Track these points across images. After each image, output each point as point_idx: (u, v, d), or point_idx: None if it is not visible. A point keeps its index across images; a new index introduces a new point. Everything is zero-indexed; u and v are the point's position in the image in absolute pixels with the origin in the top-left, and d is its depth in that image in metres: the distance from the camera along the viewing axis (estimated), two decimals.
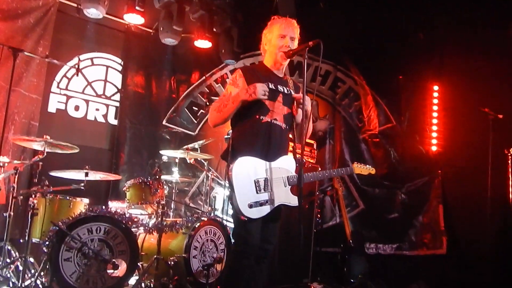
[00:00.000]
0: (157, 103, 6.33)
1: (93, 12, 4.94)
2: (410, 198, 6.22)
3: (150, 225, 4.44)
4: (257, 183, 2.85)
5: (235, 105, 2.88)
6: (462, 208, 5.83)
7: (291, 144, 3.34)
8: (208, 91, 6.50)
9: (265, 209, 2.85)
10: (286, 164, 2.99)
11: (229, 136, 4.62)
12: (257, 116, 2.94)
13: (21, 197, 3.86)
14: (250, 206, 2.79)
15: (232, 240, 4.31)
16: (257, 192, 2.83)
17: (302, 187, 2.73)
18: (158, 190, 4.48)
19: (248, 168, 2.84)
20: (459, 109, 5.92)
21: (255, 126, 2.93)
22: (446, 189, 6.06)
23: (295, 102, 3.02)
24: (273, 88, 2.96)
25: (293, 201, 2.95)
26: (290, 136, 3.16)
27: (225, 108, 2.91)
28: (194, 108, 6.45)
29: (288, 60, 3.08)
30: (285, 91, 3.04)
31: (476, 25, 5.71)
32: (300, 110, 2.95)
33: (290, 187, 2.98)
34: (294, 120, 3.07)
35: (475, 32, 5.73)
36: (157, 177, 4.57)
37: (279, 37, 3.00)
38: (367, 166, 3.57)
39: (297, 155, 3.05)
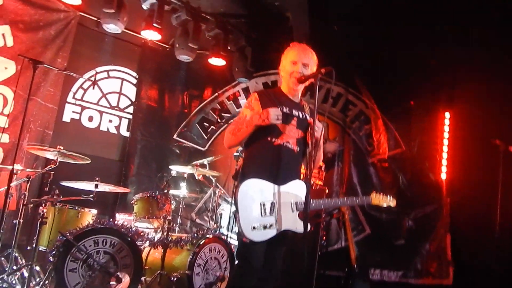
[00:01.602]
0: (169, 117, 6.41)
1: (112, 28, 5.06)
2: (417, 225, 6.16)
3: (155, 240, 4.45)
4: (263, 206, 2.83)
5: (249, 130, 2.92)
6: (470, 238, 5.76)
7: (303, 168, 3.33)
8: (219, 107, 6.57)
9: (269, 233, 2.82)
10: (295, 189, 2.96)
11: (238, 154, 4.62)
12: (269, 139, 2.95)
13: (31, 205, 3.91)
14: (253, 228, 2.77)
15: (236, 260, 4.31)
16: (262, 215, 2.81)
17: (308, 213, 2.70)
18: (165, 205, 4.52)
19: (255, 190, 2.83)
20: (470, 137, 5.90)
21: (267, 149, 2.95)
22: (454, 218, 6.00)
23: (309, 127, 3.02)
24: (287, 112, 2.99)
25: (300, 227, 2.91)
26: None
27: (239, 132, 2.95)
28: (205, 123, 6.51)
29: (302, 85, 3.10)
30: (300, 115, 3.06)
31: (490, 53, 5.73)
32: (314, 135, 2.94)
33: (298, 212, 2.95)
34: (307, 144, 3.04)
35: (489, 60, 5.74)
36: (165, 192, 4.61)
37: (291, 63, 3.05)
38: (389, 197, 3.29)
39: (305, 179, 3.04)
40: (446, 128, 6.22)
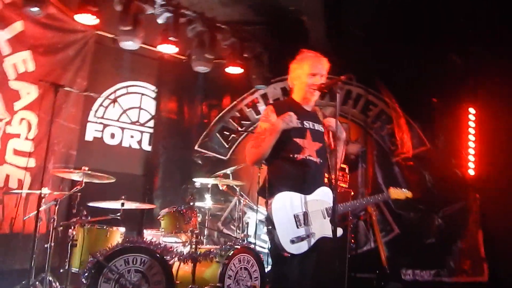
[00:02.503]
0: (189, 128, 6.44)
1: (129, 44, 5.10)
2: (447, 222, 6.05)
3: (184, 254, 4.46)
4: (297, 218, 2.84)
5: (273, 137, 2.89)
6: (503, 233, 5.62)
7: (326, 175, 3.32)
8: (239, 115, 6.56)
9: (307, 243, 2.83)
10: (323, 196, 2.98)
11: (268, 165, 4.65)
12: (291, 155, 2.94)
13: (61, 228, 3.96)
14: (292, 242, 2.77)
15: (267, 269, 4.29)
16: (297, 227, 2.82)
17: (336, 218, 2.69)
18: (192, 219, 4.51)
19: (286, 204, 2.83)
20: (496, 131, 5.78)
21: (290, 164, 2.94)
22: (485, 214, 5.86)
23: (328, 131, 3.03)
24: (300, 126, 2.97)
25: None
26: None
27: (262, 142, 2.91)
28: (225, 132, 6.51)
29: (318, 94, 3.07)
30: (311, 126, 3.04)
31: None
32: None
33: (329, 218, 2.94)
34: (328, 153, 3.06)
35: (510, 53, 5.60)
36: (191, 204, 4.61)
37: (310, 75, 3.01)
38: (404, 189, 3.43)
39: (332, 182, 3.03)
40: (472, 124, 6.08)
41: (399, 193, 3.39)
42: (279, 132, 2.88)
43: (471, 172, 6.02)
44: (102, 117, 5.84)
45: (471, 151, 6.04)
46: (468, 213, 5.97)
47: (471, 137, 6.06)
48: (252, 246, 4.89)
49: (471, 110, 6.10)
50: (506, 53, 5.56)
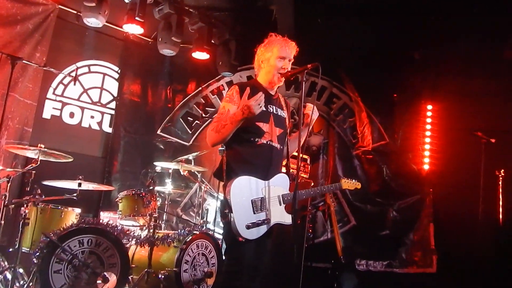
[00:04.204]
0: (153, 112, 6.33)
1: (93, 22, 4.94)
2: (401, 215, 6.24)
3: (141, 238, 4.41)
4: (254, 203, 2.84)
5: (233, 125, 2.85)
6: (453, 227, 5.86)
7: (284, 161, 3.35)
8: (204, 102, 6.52)
9: (262, 229, 2.85)
10: (280, 183, 3.00)
11: (223, 149, 4.63)
12: (252, 139, 2.94)
13: (13, 205, 3.82)
14: (248, 227, 2.77)
15: (223, 256, 4.30)
16: (254, 212, 2.82)
17: (296, 206, 2.75)
18: (151, 202, 4.47)
19: (245, 188, 2.83)
20: (452, 129, 6.00)
21: (251, 148, 2.94)
22: (437, 207, 6.10)
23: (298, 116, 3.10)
24: (264, 109, 2.96)
25: (288, 219, 2.97)
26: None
27: (223, 128, 2.87)
28: (189, 118, 6.45)
29: (283, 81, 3.09)
30: (274, 111, 3.06)
31: (471, 46, 5.81)
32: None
33: (284, 205, 2.99)
34: (287, 139, 3.13)
35: (470, 52, 5.83)
36: (151, 188, 4.56)
37: (279, 59, 3.01)
38: (354, 180, 3.59)
39: (291, 171, 3.07)
40: (429, 120, 6.29)
41: (349, 183, 3.55)
42: (239, 122, 2.83)
43: (426, 167, 6.24)
44: (61, 95, 5.64)
45: (427, 146, 6.26)
46: (422, 206, 6.17)
47: (428, 133, 6.28)
48: (211, 232, 4.89)
49: (429, 107, 6.31)
50: (464, 52, 5.78)
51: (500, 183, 4.99)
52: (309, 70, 2.89)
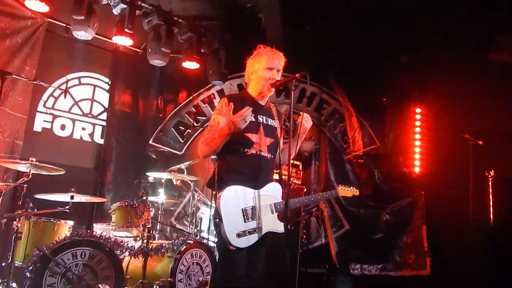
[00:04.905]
0: (144, 122, 6.34)
1: (82, 34, 4.96)
2: (394, 218, 6.28)
3: (135, 249, 4.40)
4: (244, 212, 2.86)
5: (222, 139, 2.90)
6: (445, 228, 5.92)
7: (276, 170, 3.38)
8: (195, 110, 6.53)
9: (253, 238, 2.87)
10: (272, 191, 3.03)
11: (216, 157, 4.67)
12: (242, 149, 2.98)
13: (5, 220, 3.81)
14: (239, 235, 2.80)
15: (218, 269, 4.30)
16: (245, 221, 2.85)
17: (288, 214, 2.76)
18: (144, 213, 4.47)
19: (235, 197, 2.86)
20: (441, 131, 6.08)
21: (241, 158, 2.97)
22: (429, 210, 6.15)
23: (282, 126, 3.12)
24: (253, 120, 3.01)
25: (280, 227, 2.99)
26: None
27: (212, 142, 2.92)
28: (181, 127, 6.46)
29: (274, 90, 3.14)
30: (264, 121, 3.10)
31: (458, 50, 5.91)
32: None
33: (277, 213, 3.01)
34: (278, 148, 3.14)
35: (457, 55, 5.92)
36: (143, 199, 4.56)
37: (267, 70, 3.06)
38: (351, 188, 3.56)
39: (283, 177, 3.09)
40: (418, 123, 6.37)
41: (346, 191, 3.52)
42: (227, 136, 2.88)
43: (417, 169, 6.30)
44: (52, 108, 5.64)
45: (417, 149, 6.33)
46: (414, 209, 6.23)
47: (417, 136, 6.35)
48: (205, 241, 4.89)
49: (418, 110, 6.39)
50: (451, 54, 5.87)
51: (490, 183, 5.05)
52: (298, 78, 2.93)
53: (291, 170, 2.93)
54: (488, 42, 5.77)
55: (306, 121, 3.13)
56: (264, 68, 3.06)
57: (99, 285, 3.60)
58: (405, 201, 6.29)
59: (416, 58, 6.32)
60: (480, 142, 4.83)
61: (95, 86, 6.06)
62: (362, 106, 6.52)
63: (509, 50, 5.66)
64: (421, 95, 6.37)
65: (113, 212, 4.55)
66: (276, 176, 3.19)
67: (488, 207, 5.03)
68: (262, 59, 3.08)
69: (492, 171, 5.06)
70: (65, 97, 4.69)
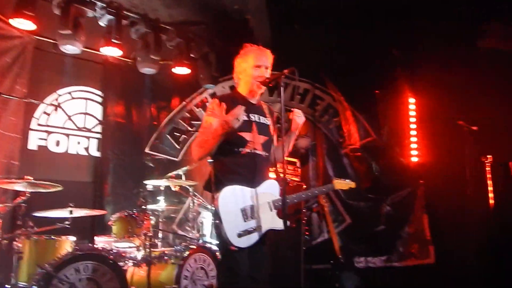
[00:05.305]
0: (139, 131, 6.33)
1: (70, 48, 4.96)
2: (395, 209, 6.32)
3: (138, 259, 4.41)
4: (243, 211, 2.88)
5: (215, 140, 2.92)
6: (446, 216, 5.94)
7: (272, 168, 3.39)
8: (189, 116, 6.53)
9: (254, 237, 2.88)
10: (270, 189, 3.05)
11: (213, 160, 4.68)
12: (236, 149, 2.99)
13: (5, 241, 3.81)
14: (239, 235, 2.81)
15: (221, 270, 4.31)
16: (244, 221, 2.87)
17: (286, 211, 2.80)
18: (144, 222, 4.48)
19: (233, 197, 2.88)
20: (436, 120, 6.10)
21: (236, 158, 2.99)
22: (429, 198, 6.17)
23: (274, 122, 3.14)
24: (246, 119, 3.02)
25: (280, 224, 3.01)
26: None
27: (206, 144, 2.95)
28: (176, 134, 6.45)
29: (264, 88, 3.14)
30: (257, 119, 3.11)
31: (448, 40, 5.91)
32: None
33: (276, 211, 3.02)
34: (272, 145, 3.16)
35: (448, 46, 5.93)
36: (143, 208, 4.57)
37: (255, 67, 3.07)
38: (347, 180, 3.59)
39: (280, 174, 3.12)
40: (412, 113, 6.39)
41: (342, 183, 3.55)
42: (220, 137, 2.89)
43: (415, 159, 6.32)
44: (45, 125, 5.63)
45: (413, 139, 6.35)
46: (414, 198, 6.27)
47: (413, 126, 6.37)
48: (208, 245, 4.89)
49: (411, 100, 6.40)
50: (440, 43, 5.88)
51: (487, 168, 5.06)
52: (286, 74, 2.93)
53: (286, 167, 2.94)
54: (475, 28, 5.78)
55: (298, 116, 3.15)
56: (252, 66, 3.07)
57: None
58: (404, 192, 6.33)
59: (406, 50, 6.34)
60: (475, 128, 4.84)
61: (87, 99, 6.04)
62: (355, 99, 6.55)
63: (497, 36, 5.68)
64: (413, 85, 6.38)
65: (113, 224, 4.56)
66: (273, 174, 3.20)
67: (487, 192, 5.03)
68: (249, 58, 3.10)
69: (490, 156, 5.07)
70: (56, 112, 4.68)
